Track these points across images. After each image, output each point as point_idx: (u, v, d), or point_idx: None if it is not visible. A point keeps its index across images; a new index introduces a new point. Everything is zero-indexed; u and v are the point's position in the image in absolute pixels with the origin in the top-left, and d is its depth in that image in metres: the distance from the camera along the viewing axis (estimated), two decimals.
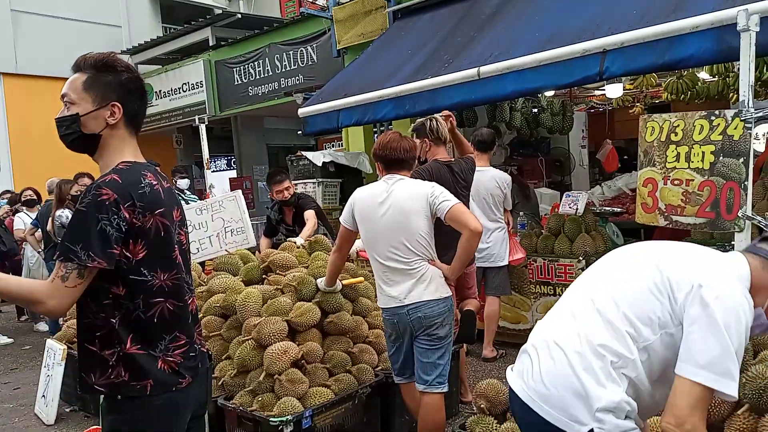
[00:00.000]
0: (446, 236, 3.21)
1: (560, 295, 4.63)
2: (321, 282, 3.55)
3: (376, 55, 6.57)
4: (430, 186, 3.06)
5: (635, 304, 1.66)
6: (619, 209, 6.86)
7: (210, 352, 2.05)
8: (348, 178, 7.57)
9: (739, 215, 2.58)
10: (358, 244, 4.98)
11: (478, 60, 4.79)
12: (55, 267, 1.65)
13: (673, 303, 1.63)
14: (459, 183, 3.76)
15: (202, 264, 4.68)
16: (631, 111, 8.18)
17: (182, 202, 7.16)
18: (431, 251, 3.07)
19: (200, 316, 3.69)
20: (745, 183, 2.58)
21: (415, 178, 3.20)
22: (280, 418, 2.93)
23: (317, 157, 7.51)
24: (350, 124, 5.90)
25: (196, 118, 6.05)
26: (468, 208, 3.44)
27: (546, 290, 5.32)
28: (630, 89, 7.63)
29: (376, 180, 3.19)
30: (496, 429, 2.56)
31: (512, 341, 5.45)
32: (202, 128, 5.95)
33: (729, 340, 1.54)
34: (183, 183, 7.94)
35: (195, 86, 11.20)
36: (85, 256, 1.60)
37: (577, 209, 5.46)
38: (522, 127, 7.55)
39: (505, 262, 5.09)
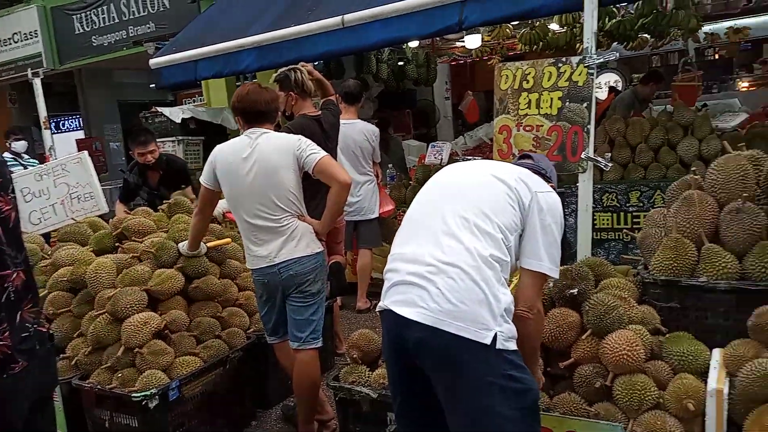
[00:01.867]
0: (313, 188, 3.15)
1: None
2: (183, 246, 3.35)
3: (236, 0, 6.18)
4: (296, 138, 2.95)
5: (502, 214, 1.88)
6: (479, 157, 7.17)
7: (51, 332, 1.84)
8: (210, 136, 7.14)
9: (582, 157, 2.78)
10: (223, 205, 4.76)
11: (342, 7, 4.66)
12: None
13: (522, 209, 1.91)
14: (328, 137, 3.68)
15: (46, 236, 4.22)
16: (489, 63, 8.51)
17: (19, 166, 6.41)
18: (300, 206, 2.99)
19: (46, 292, 3.36)
20: (588, 127, 2.77)
21: None
22: (143, 393, 2.76)
23: (175, 114, 7.01)
24: (209, 75, 5.54)
25: (29, 71, 5.37)
26: (336, 161, 3.38)
27: None
28: (488, 41, 7.90)
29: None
30: (368, 376, 2.60)
31: None
32: (37, 83, 5.31)
33: (556, 235, 1.92)
34: (19, 146, 7.05)
35: (28, 36, 9.92)
36: None
37: (442, 159, 5.63)
38: (389, 79, 7.58)
39: (376, 215, 5.14)
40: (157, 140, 4.90)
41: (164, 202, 4.06)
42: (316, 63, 7.16)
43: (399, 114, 9.13)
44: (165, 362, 2.96)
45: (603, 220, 5.06)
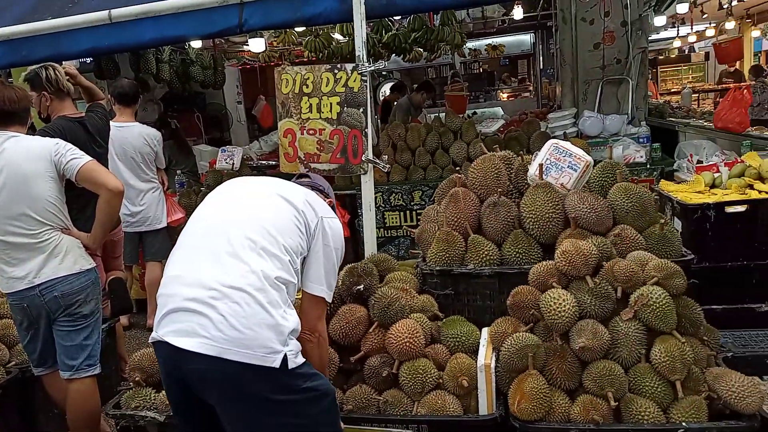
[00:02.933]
0: (82, 198, 2.84)
1: None
2: None
3: None
4: (53, 142, 2.63)
5: (289, 236, 1.86)
6: (274, 162, 7.14)
7: None
8: None
9: (363, 159, 2.93)
10: None
11: (110, 1, 4.25)
12: None
13: (308, 233, 1.93)
14: (95, 141, 3.34)
15: None
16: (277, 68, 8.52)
17: None
18: (64, 219, 2.67)
19: None
20: (366, 130, 2.92)
21: None
22: None
23: None
24: None
25: None
26: (108, 168, 3.08)
27: None
28: (277, 46, 7.91)
29: None
30: (154, 398, 2.41)
31: None
32: None
33: (335, 261, 1.99)
34: None
35: None
36: None
37: (233, 164, 5.49)
38: (173, 81, 7.16)
39: (164, 224, 4.84)
40: None
41: None
42: (85, 60, 6.51)
43: (188, 117, 8.68)
44: None
45: (392, 218, 5.40)
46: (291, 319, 1.79)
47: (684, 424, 2.02)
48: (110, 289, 3.21)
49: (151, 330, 4.94)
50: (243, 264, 1.74)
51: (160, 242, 4.85)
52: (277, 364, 1.68)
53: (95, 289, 2.72)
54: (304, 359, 1.82)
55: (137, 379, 2.47)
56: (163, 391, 2.42)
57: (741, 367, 2.21)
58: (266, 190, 1.99)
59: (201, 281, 1.73)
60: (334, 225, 2.00)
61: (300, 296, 2.03)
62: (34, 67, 3.19)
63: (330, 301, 2.03)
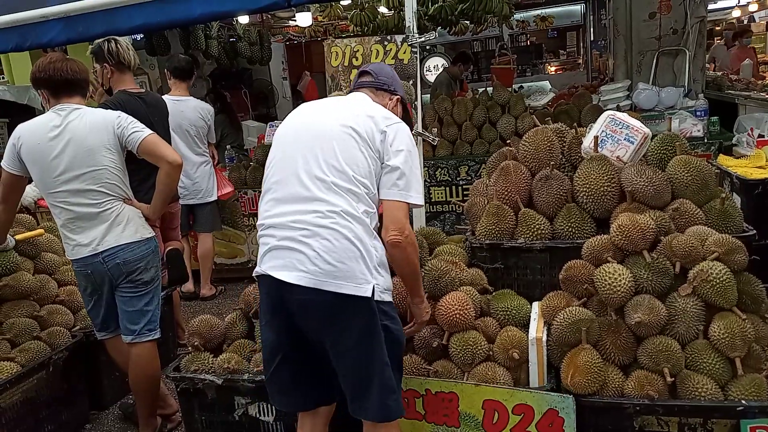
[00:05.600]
0: (143, 170, 2.93)
1: None
2: None
3: None
4: (115, 115, 2.71)
5: (356, 165, 1.90)
6: None
7: None
8: (15, 118, 6.30)
9: (413, 132, 2.90)
10: (31, 193, 4.25)
11: None
12: None
13: (375, 150, 1.93)
14: (154, 115, 3.43)
15: None
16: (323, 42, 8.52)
17: None
18: (126, 189, 2.77)
19: None
20: (416, 103, 2.91)
21: None
22: None
23: None
24: (6, 49, 4.84)
25: None
26: (169, 142, 3.16)
27: None
28: (322, 21, 7.89)
29: None
30: (212, 363, 2.51)
31: (231, 276, 5.42)
32: None
33: (411, 163, 1.95)
34: None
35: None
36: None
37: None
38: (221, 57, 7.25)
39: (214, 198, 4.95)
40: None
41: None
42: (136, 37, 6.65)
43: (236, 93, 8.80)
44: None
45: (437, 193, 5.38)
46: (375, 252, 1.89)
47: (744, 401, 1.98)
48: (168, 259, 3.33)
49: (203, 299, 5.11)
50: (325, 204, 1.85)
51: (211, 215, 4.97)
52: (368, 293, 1.82)
53: (155, 258, 2.82)
54: (390, 300, 1.96)
55: (196, 343, 2.57)
56: (222, 356, 2.52)
57: None
58: (327, 121, 1.98)
59: (291, 223, 1.86)
60: (399, 129, 1.98)
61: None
62: (98, 41, 3.29)
63: (420, 204, 2.00)
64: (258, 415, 2.47)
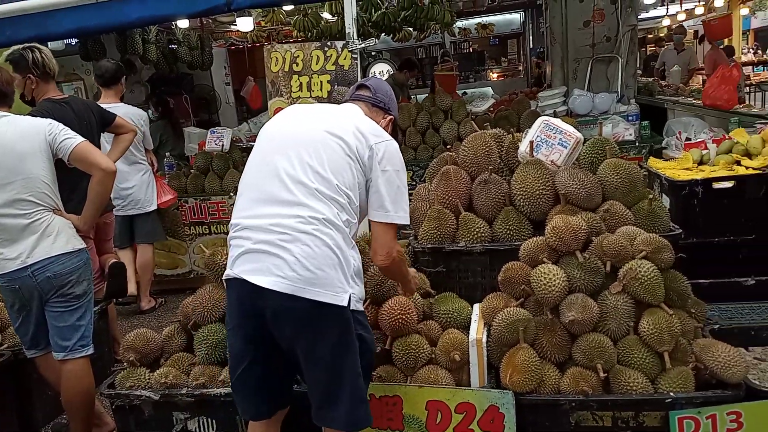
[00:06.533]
0: (71, 180, 2.82)
1: (216, 234, 4.51)
2: None
3: None
4: (46, 122, 2.61)
5: (341, 175, 1.89)
6: None
7: None
8: None
9: None
10: None
11: None
12: None
13: (362, 165, 1.93)
14: (83, 121, 3.31)
15: None
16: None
17: None
18: (56, 199, 2.66)
19: None
20: None
21: None
22: None
23: None
24: None
25: None
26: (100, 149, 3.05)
27: (201, 230, 5.23)
28: (265, 26, 7.82)
29: None
30: (148, 378, 2.43)
31: (172, 287, 5.26)
32: None
33: (399, 182, 1.97)
34: None
35: None
36: None
37: (223, 145, 5.45)
38: (159, 62, 7.07)
39: (154, 207, 4.81)
40: None
41: None
42: (71, 41, 6.41)
43: (176, 99, 8.60)
44: None
45: None
46: (353, 262, 1.90)
47: (672, 393, 2.07)
48: (110, 272, 3.20)
49: (142, 312, 4.93)
50: (307, 209, 1.83)
51: (151, 224, 4.82)
52: (344, 302, 1.83)
53: (87, 270, 2.71)
54: (363, 309, 2.00)
55: (131, 359, 2.48)
56: (159, 370, 2.45)
57: (727, 338, 2.25)
58: (314, 126, 1.97)
59: (270, 227, 1.83)
60: (388, 147, 1.97)
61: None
62: (17, 47, 3.13)
63: (406, 223, 2.02)
64: (198, 430, 2.41)
